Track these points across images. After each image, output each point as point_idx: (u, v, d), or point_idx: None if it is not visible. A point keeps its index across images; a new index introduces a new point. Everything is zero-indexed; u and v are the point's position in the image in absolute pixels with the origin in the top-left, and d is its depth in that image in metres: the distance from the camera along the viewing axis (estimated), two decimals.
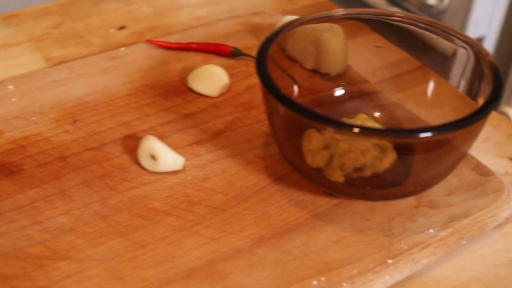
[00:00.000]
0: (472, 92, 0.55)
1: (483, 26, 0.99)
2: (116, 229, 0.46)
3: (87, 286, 0.42)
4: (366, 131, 0.42)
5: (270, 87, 0.45)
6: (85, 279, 0.43)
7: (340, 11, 0.53)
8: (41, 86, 0.60)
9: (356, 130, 0.41)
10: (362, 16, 0.54)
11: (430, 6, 1.00)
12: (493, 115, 0.62)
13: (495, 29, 1.02)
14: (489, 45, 1.06)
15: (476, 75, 0.54)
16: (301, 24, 0.52)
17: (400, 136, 0.44)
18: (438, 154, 0.46)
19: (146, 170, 0.51)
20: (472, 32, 0.99)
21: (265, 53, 0.48)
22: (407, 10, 1.08)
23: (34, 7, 0.76)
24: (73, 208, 0.48)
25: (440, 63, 0.57)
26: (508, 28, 1.06)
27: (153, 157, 0.51)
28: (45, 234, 0.46)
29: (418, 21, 0.53)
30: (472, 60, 0.53)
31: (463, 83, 0.56)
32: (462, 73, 0.56)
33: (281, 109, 0.46)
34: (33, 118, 0.56)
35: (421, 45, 0.57)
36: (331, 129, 0.44)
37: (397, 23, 0.53)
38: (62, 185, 0.50)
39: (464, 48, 0.53)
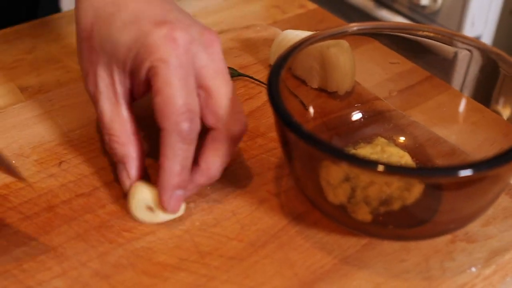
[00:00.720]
0: (487, 100, 0.51)
1: (480, 24, 0.96)
2: None
3: None
4: (393, 171, 0.38)
5: (288, 123, 0.40)
6: None
7: (353, 27, 0.48)
8: (19, 123, 0.54)
9: (381, 168, 0.37)
10: (377, 31, 0.49)
11: (423, 7, 0.96)
12: (504, 123, 0.57)
13: (491, 27, 0.98)
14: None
15: (486, 81, 0.51)
16: (312, 43, 0.47)
17: (437, 176, 0.39)
18: (476, 188, 0.41)
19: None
20: (469, 31, 0.96)
21: (277, 81, 0.43)
22: (398, 11, 1.04)
23: (3, 30, 0.69)
24: (68, 268, 0.42)
25: (443, 69, 0.54)
26: (504, 25, 1.02)
27: (150, 208, 0.45)
28: None
29: (440, 34, 0.48)
30: (478, 64, 0.49)
31: (470, 90, 0.52)
32: (465, 78, 0.52)
33: (301, 145, 0.41)
34: (12, 162, 0.50)
35: (424, 52, 0.53)
36: (363, 171, 0.40)
37: (415, 37, 0.49)
38: (52, 240, 0.44)
39: (469, 50, 0.49)
